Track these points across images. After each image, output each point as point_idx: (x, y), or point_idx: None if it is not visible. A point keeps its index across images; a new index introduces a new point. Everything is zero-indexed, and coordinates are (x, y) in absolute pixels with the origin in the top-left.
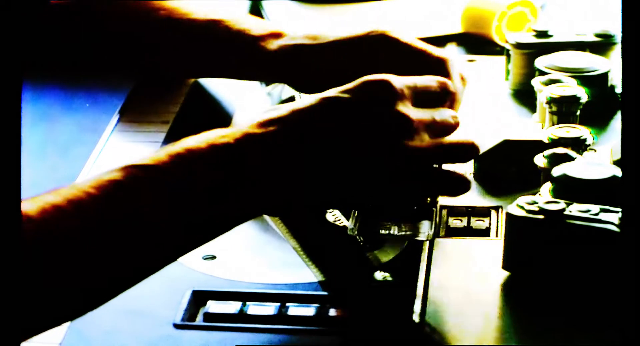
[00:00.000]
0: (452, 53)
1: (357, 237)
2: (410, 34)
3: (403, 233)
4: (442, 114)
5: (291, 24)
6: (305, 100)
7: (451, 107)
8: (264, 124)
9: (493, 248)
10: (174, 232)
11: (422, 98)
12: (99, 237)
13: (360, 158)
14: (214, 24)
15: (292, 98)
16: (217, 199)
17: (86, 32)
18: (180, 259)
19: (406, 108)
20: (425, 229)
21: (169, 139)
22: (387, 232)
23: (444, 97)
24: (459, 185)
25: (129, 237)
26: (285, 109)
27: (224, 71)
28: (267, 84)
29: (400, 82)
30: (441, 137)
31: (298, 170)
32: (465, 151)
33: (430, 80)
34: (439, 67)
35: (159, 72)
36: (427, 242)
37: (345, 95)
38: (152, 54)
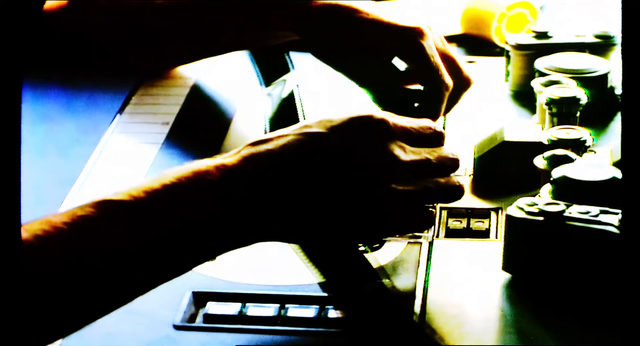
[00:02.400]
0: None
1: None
2: (435, 38)
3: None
4: (439, 155)
5: None
6: (291, 131)
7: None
8: (249, 159)
9: (493, 249)
10: (150, 267)
11: (417, 139)
12: (72, 273)
13: (348, 197)
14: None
15: (292, 98)
16: (196, 236)
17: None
18: None
19: (398, 150)
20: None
21: (169, 139)
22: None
23: (434, 142)
24: (453, 197)
25: (104, 273)
26: (271, 144)
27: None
28: (267, 85)
29: (396, 122)
30: (439, 177)
31: (282, 209)
32: (452, 195)
33: (424, 124)
34: (437, 91)
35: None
36: (427, 243)
37: (337, 133)
38: (170, 37)
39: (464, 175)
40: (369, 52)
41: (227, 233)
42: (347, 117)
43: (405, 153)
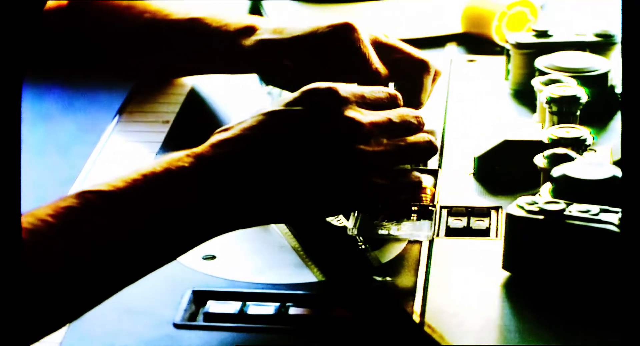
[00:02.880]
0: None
1: (357, 237)
2: (371, 32)
3: (402, 233)
4: (400, 114)
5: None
6: (251, 116)
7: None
8: (217, 145)
9: (493, 248)
10: (135, 255)
11: (373, 103)
12: (59, 263)
13: (316, 168)
14: (193, 22)
15: None
16: (175, 222)
17: (78, 36)
18: (180, 259)
19: (355, 113)
20: (425, 229)
21: (169, 139)
22: (387, 232)
23: (390, 104)
24: (426, 154)
25: (90, 261)
26: (236, 129)
27: (208, 67)
28: (267, 83)
29: (345, 89)
30: (406, 136)
31: (254, 189)
32: (424, 151)
33: (375, 88)
34: (370, 82)
35: (148, 74)
36: (427, 242)
37: (292, 108)
38: (139, 56)
39: (464, 174)
40: (310, 65)
41: (203, 220)
42: (297, 93)
43: (363, 115)
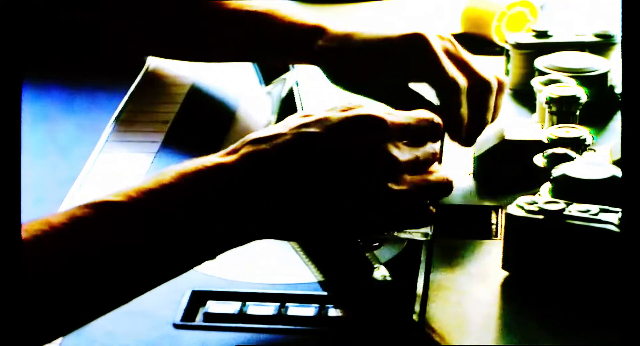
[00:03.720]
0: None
1: (358, 240)
2: (442, 42)
3: (402, 234)
4: (425, 152)
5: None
6: (289, 128)
7: (434, 140)
8: (247, 158)
9: (493, 248)
10: (148, 268)
11: (416, 134)
12: (71, 273)
13: (342, 195)
14: (268, 15)
15: (292, 97)
16: (194, 236)
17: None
18: None
19: (396, 150)
20: (425, 229)
21: (169, 138)
22: (387, 232)
23: (431, 134)
24: (445, 191)
25: (102, 273)
26: (269, 143)
27: (266, 57)
28: (267, 84)
29: (393, 119)
30: (420, 173)
31: (278, 208)
32: (443, 190)
33: (422, 118)
34: (447, 91)
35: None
36: (427, 242)
37: (334, 132)
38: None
39: (464, 174)
40: (383, 72)
41: (225, 233)
42: (344, 116)
43: (402, 152)
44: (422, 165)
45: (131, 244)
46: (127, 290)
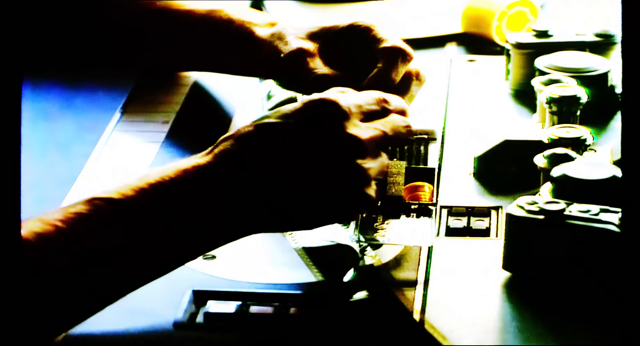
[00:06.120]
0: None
1: (358, 243)
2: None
3: (403, 240)
4: (394, 126)
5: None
6: (254, 125)
7: (386, 114)
8: (219, 157)
9: (493, 248)
10: (141, 263)
11: (369, 113)
12: (68, 269)
13: (314, 182)
14: (212, 14)
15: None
16: (180, 233)
17: (84, 27)
18: None
19: (355, 129)
20: (426, 235)
21: (169, 138)
22: (387, 238)
23: (386, 109)
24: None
25: (99, 268)
26: (237, 139)
27: (221, 62)
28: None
29: (347, 101)
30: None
31: (253, 202)
32: (405, 134)
33: (371, 97)
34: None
35: (159, 67)
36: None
37: (291, 120)
38: (149, 48)
39: (463, 174)
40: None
41: (207, 230)
42: (300, 104)
43: (362, 130)
44: (393, 139)
45: (124, 238)
46: (120, 286)
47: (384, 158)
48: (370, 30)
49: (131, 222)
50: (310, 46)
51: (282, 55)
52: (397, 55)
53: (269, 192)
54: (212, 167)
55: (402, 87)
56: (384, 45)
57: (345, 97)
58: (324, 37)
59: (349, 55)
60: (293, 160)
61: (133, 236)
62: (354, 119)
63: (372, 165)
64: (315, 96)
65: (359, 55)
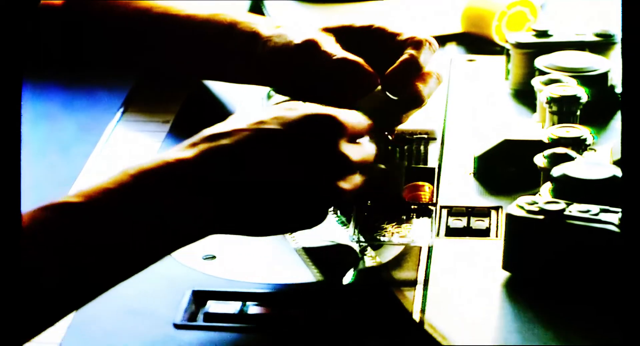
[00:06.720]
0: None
1: (358, 243)
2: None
3: (403, 239)
4: (371, 151)
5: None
6: (248, 127)
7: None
8: (205, 154)
9: (493, 248)
10: (110, 264)
11: (358, 134)
12: (32, 276)
13: (292, 194)
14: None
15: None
16: (151, 232)
17: (83, 31)
18: (180, 259)
19: (348, 150)
20: (426, 235)
21: (169, 138)
22: (388, 238)
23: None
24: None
25: (62, 273)
26: (227, 139)
27: (216, 70)
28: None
29: (345, 118)
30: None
31: (231, 201)
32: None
33: (364, 121)
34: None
35: (158, 71)
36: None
37: (291, 130)
38: (151, 51)
39: (464, 174)
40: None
41: (184, 228)
42: (301, 115)
43: (354, 152)
44: (367, 163)
45: (91, 244)
46: (90, 288)
47: (357, 178)
48: (387, 28)
49: (97, 226)
50: (325, 36)
51: (294, 43)
52: (424, 43)
53: (251, 195)
54: (197, 162)
55: (422, 81)
56: (407, 36)
57: (344, 115)
58: (339, 33)
59: (366, 52)
60: (284, 169)
61: (99, 239)
62: (347, 138)
63: (351, 188)
64: (317, 110)
65: (377, 52)
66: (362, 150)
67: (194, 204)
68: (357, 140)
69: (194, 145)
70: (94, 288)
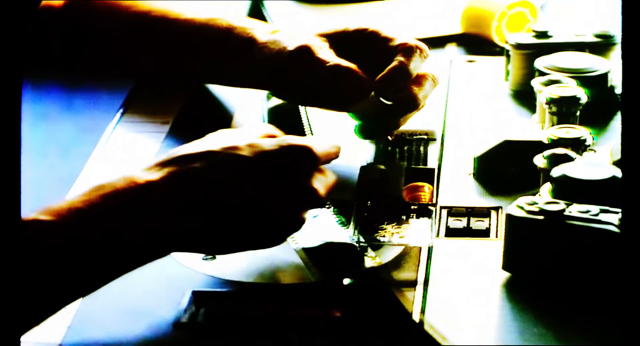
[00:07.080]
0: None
1: (358, 243)
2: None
3: (403, 240)
4: (332, 181)
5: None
6: (222, 151)
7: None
8: (174, 176)
9: (493, 248)
10: (76, 281)
11: (329, 160)
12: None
13: (257, 221)
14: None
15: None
16: (115, 252)
17: (80, 34)
18: (180, 259)
19: (318, 184)
20: (425, 235)
21: (169, 139)
22: (388, 238)
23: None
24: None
25: (30, 290)
26: (198, 162)
27: (214, 74)
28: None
29: (319, 148)
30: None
31: (195, 223)
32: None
33: (335, 148)
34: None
35: (156, 74)
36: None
37: (264, 162)
38: (149, 55)
39: (464, 174)
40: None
41: (147, 247)
42: (276, 145)
43: (323, 186)
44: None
45: (57, 261)
46: (55, 302)
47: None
48: (381, 32)
49: (65, 243)
50: (319, 41)
51: (288, 50)
52: (415, 50)
53: (217, 218)
54: (166, 185)
55: (417, 85)
56: (398, 42)
57: (317, 145)
58: (333, 38)
59: (360, 56)
60: (252, 197)
61: (65, 256)
62: (318, 171)
63: (308, 216)
64: (293, 141)
65: (370, 56)
66: (327, 181)
67: (159, 224)
68: (320, 167)
69: (165, 165)
70: (56, 303)
